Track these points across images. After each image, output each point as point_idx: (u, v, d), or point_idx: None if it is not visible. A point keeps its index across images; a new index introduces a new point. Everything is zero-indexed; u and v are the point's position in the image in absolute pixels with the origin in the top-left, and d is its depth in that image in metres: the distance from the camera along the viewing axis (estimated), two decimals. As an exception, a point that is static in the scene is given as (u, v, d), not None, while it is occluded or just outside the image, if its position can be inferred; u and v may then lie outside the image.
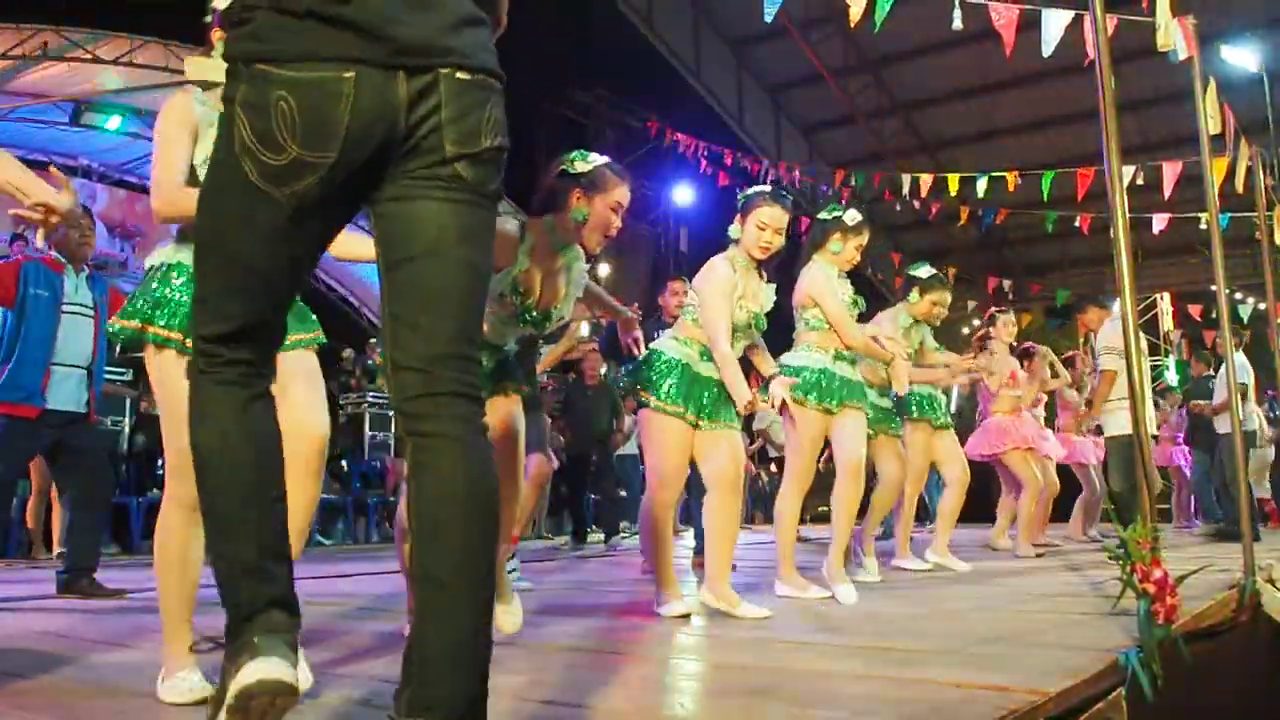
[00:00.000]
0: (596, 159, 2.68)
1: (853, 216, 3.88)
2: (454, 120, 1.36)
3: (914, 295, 4.56)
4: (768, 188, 3.45)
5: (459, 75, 1.37)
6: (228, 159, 1.35)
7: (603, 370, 7.94)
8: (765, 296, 3.37)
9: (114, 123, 10.92)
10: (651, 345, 3.34)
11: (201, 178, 1.96)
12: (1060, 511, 7.43)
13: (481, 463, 1.37)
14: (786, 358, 3.82)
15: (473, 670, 1.31)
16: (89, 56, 9.61)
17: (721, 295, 3.21)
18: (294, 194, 1.33)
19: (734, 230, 3.37)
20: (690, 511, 6.67)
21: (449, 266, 1.38)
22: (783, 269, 3.49)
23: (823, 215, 3.97)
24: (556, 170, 2.66)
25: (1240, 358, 7.27)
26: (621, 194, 2.66)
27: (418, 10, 1.36)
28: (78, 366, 4.20)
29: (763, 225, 3.29)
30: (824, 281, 3.80)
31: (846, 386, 3.78)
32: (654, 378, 3.20)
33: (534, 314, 2.59)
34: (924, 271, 4.60)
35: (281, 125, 1.30)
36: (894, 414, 4.66)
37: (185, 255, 2.04)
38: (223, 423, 1.40)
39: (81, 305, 4.26)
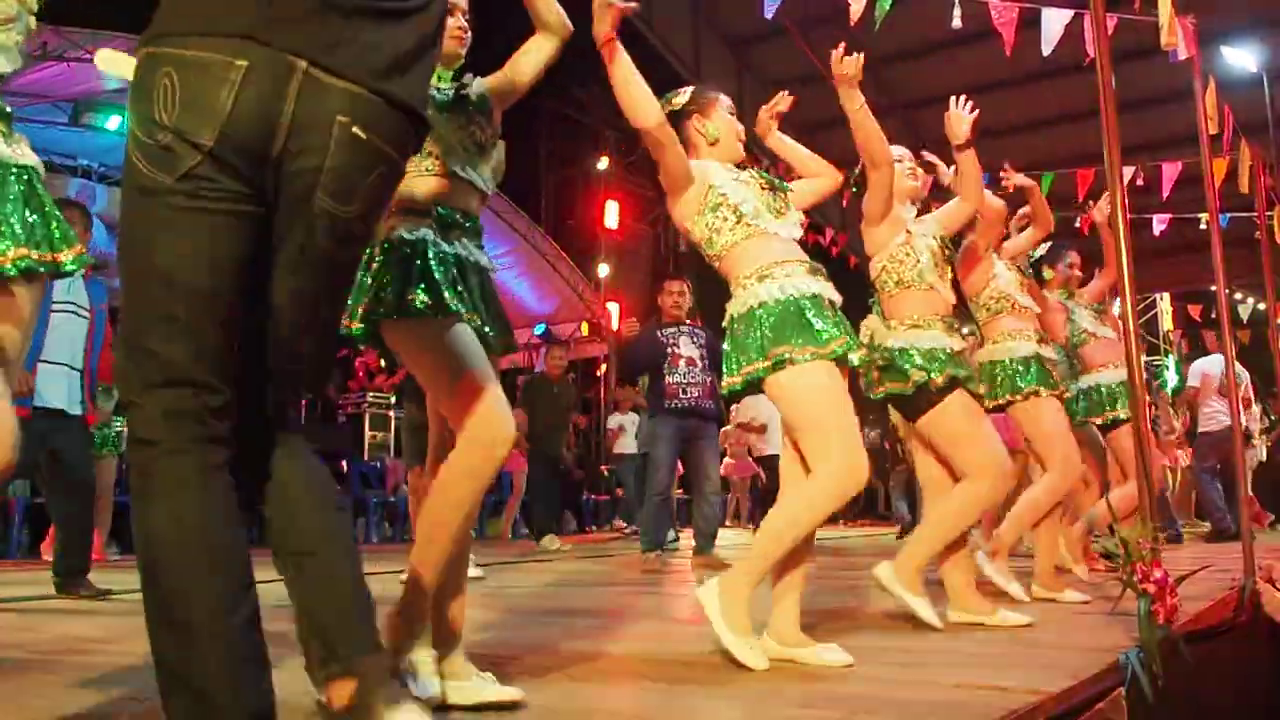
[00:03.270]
0: (681, 91, 2.64)
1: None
2: (332, 172, 1.29)
3: (1047, 273, 4.47)
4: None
5: (355, 130, 1.29)
6: (129, 169, 1.27)
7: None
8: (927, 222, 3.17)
9: (113, 122, 10.90)
10: (894, 348, 2.96)
11: None
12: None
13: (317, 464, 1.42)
14: (986, 354, 3.64)
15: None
16: (89, 56, 9.60)
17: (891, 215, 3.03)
18: (186, 178, 1.23)
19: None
20: (690, 511, 6.67)
21: (300, 322, 1.38)
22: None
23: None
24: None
25: (1217, 358, 7.32)
26: (724, 99, 2.62)
27: (356, 29, 1.30)
28: (67, 365, 4.11)
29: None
30: (970, 251, 3.64)
31: (1052, 370, 3.59)
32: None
33: (767, 178, 2.51)
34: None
35: (162, 103, 1.23)
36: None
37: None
38: (177, 504, 1.21)
39: (74, 304, 4.18)
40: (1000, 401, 3.54)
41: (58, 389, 4.10)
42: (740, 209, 2.39)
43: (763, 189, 2.45)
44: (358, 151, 1.30)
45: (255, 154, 1.26)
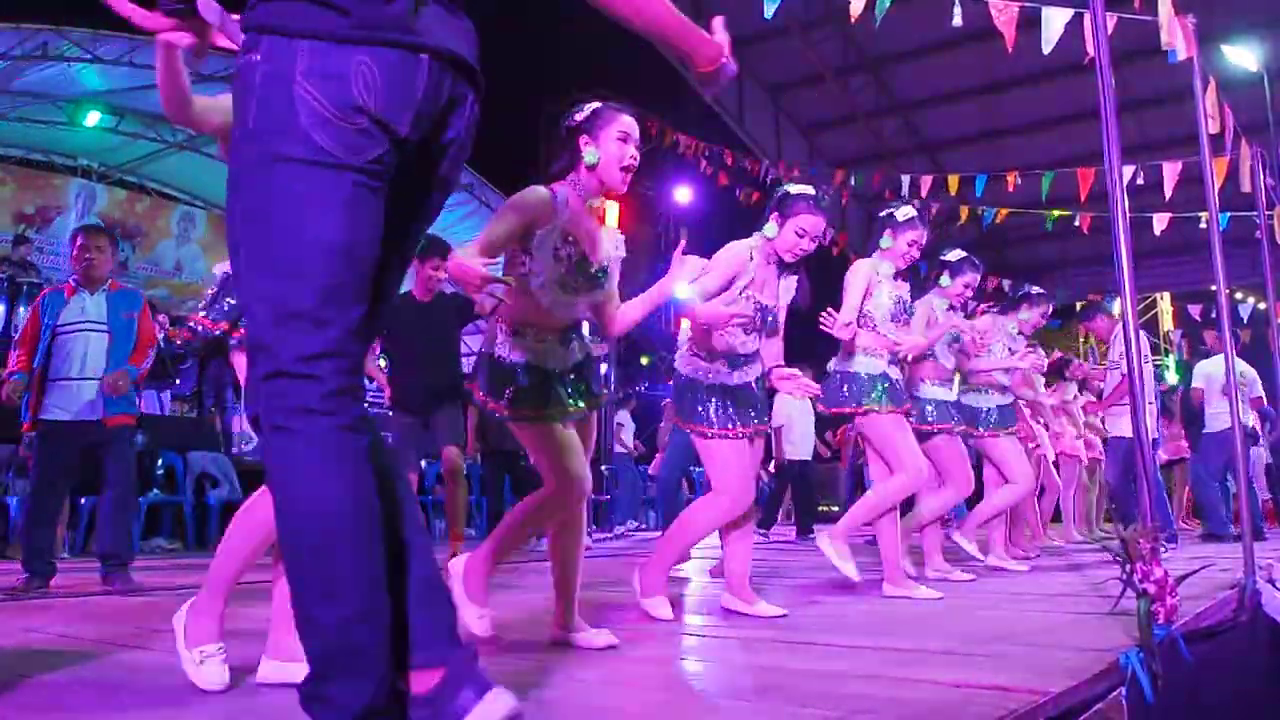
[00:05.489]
0: (592, 104, 2.65)
1: (904, 213, 3.91)
2: (460, 148, 1.44)
3: (945, 279, 4.52)
4: (810, 190, 3.30)
5: (476, 106, 1.44)
6: (286, 137, 1.26)
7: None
8: (782, 292, 3.31)
9: (92, 118, 10.87)
10: (679, 369, 3.27)
11: None
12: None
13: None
14: (837, 365, 3.84)
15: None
16: (89, 56, 9.60)
17: (726, 269, 3.15)
18: (374, 161, 1.31)
19: (769, 229, 3.24)
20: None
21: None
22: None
23: (882, 212, 4.03)
24: (563, 130, 2.64)
25: (1239, 362, 7.34)
26: (623, 123, 2.61)
27: (458, 29, 1.41)
28: (90, 379, 4.38)
29: (802, 232, 3.20)
30: (861, 272, 3.81)
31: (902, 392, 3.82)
32: (695, 405, 3.17)
33: (592, 268, 2.55)
34: (954, 255, 4.58)
35: (364, 88, 1.28)
36: (954, 410, 4.54)
37: None
38: (339, 478, 1.26)
39: (91, 322, 4.42)
40: (849, 410, 3.77)
41: (81, 403, 4.38)
42: (530, 280, 2.50)
43: (574, 269, 2.53)
44: (473, 123, 1.44)
45: (425, 136, 1.37)
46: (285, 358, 1.25)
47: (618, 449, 10.31)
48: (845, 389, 3.79)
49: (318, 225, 1.26)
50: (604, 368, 14.55)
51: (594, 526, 11.56)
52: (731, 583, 3.24)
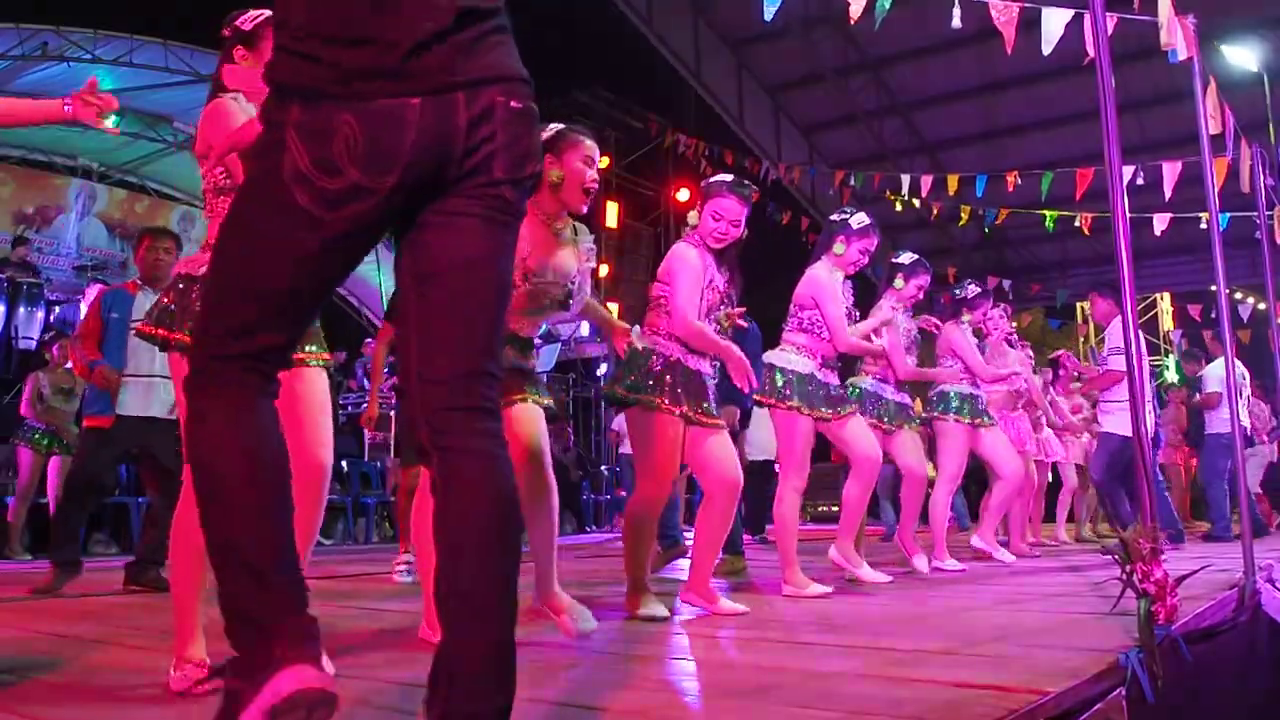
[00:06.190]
0: (555, 125, 2.71)
1: (859, 220, 3.92)
2: (506, 147, 1.38)
3: (898, 282, 4.56)
4: (729, 177, 3.34)
5: (512, 104, 1.40)
6: (272, 184, 1.34)
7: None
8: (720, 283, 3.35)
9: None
10: (633, 343, 3.27)
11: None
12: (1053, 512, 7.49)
13: (504, 477, 1.38)
14: (770, 356, 3.88)
15: (501, 681, 1.31)
16: (89, 56, 9.61)
17: (693, 281, 3.18)
18: (347, 218, 1.33)
19: (692, 218, 3.32)
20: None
21: (479, 284, 1.39)
22: (762, 267, 3.47)
23: (834, 216, 4.03)
24: None
25: (1220, 365, 7.34)
26: (587, 147, 2.70)
27: (481, 47, 1.38)
28: (152, 376, 4.41)
29: (718, 215, 3.23)
30: (826, 283, 3.83)
31: (830, 393, 3.82)
32: (645, 375, 3.15)
33: (558, 294, 2.65)
34: (906, 258, 4.62)
35: (343, 151, 1.30)
36: (909, 409, 4.66)
37: None
38: (231, 422, 1.35)
39: None
40: (767, 400, 3.79)
41: (143, 400, 4.43)
42: (520, 284, 2.58)
43: (536, 300, 2.65)
44: (517, 121, 1.40)
45: (435, 168, 1.35)
46: (205, 354, 1.39)
47: (623, 450, 10.30)
48: (769, 380, 3.81)
49: (266, 271, 1.36)
50: (603, 368, 14.58)
51: (593, 526, 11.59)
52: (692, 578, 3.23)
